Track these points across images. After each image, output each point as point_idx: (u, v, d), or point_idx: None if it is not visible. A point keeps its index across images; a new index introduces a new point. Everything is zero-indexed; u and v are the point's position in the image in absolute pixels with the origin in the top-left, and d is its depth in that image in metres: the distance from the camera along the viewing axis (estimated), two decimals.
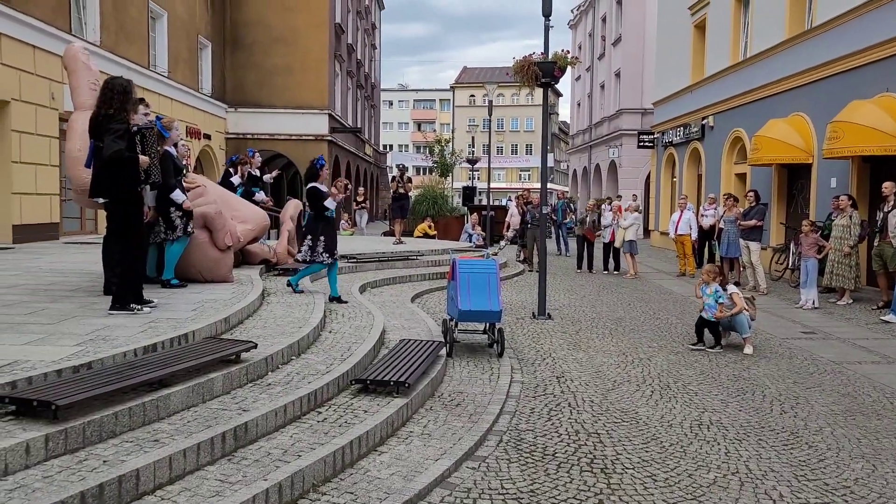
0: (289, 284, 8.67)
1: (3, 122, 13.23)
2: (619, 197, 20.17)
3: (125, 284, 6.16)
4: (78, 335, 5.11)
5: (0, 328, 5.24)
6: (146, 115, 7.16)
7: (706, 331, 8.15)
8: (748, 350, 7.96)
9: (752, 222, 12.87)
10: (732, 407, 5.86)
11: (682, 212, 15.57)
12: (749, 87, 17.51)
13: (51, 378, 4.07)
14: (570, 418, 5.45)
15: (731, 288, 8.34)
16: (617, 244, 15.89)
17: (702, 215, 15.54)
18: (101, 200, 6.26)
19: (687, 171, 22.65)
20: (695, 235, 15.36)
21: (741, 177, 18.60)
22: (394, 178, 16.58)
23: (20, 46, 13.45)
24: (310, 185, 8.71)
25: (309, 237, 8.57)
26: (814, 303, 11.13)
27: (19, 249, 12.18)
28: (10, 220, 13.26)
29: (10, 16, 13.09)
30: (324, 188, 8.72)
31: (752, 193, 13.44)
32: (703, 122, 20.73)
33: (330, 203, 8.58)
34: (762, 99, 16.88)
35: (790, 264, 14.05)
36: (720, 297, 8.05)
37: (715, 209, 15.23)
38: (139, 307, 6.13)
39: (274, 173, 14.56)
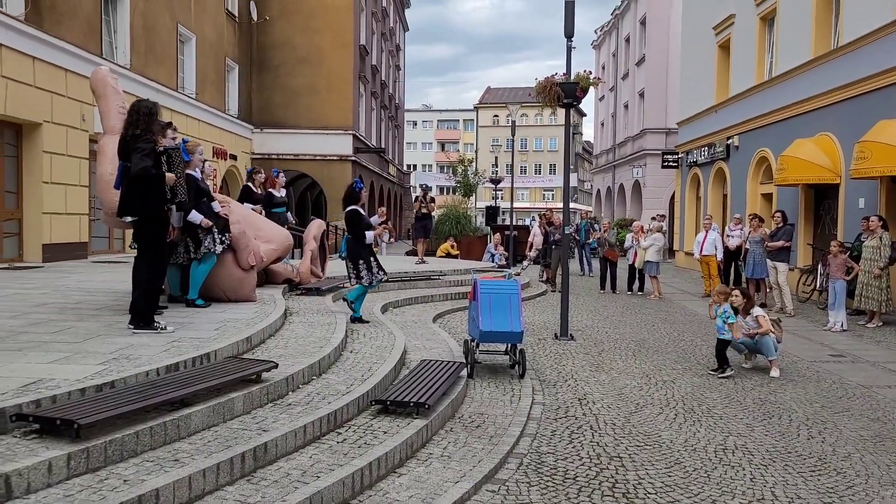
0: (353, 320, 8.44)
1: (35, 144, 13.52)
2: (660, 216, 19.98)
3: (149, 303, 6.24)
4: (102, 354, 5.17)
5: (28, 346, 5.31)
6: (174, 138, 7.28)
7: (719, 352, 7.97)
8: (774, 373, 7.83)
9: (780, 243, 12.71)
10: (758, 431, 5.76)
11: (706, 232, 15.43)
12: (775, 107, 17.37)
13: (74, 397, 4.12)
14: (591, 441, 5.38)
15: (757, 310, 8.21)
16: (637, 265, 15.78)
17: (727, 236, 15.37)
18: (128, 219, 6.36)
19: (712, 191, 22.47)
20: (720, 256, 15.19)
21: (767, 197, 18.40)
22: (417, 197, 16.65)
23: (52, 69, 13.77)
24: (350, 208, 8.60)
25: (361, 261, 8.48)
26: (842, 325, 10.94)
27: (49, 268, 12.38)
28: (40, 239, 13.50)
29: (43, 40, 13.41)
30: (363, 211, 8.73)
31: (779, 214, 13.28)
32: (728, 142, 20.58)
33: (370, 236, 8.58)
34: (788, 119, 16.74)
35: (818, 286, 13.83)
36: (729, 317, 7.91)
37: (741, 229, 15.06)
38: (162, 326, 6.19)
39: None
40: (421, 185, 17.20)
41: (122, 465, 3.70)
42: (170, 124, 7.38)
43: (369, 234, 8.57)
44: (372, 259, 8.48)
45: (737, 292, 8.19)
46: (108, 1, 16.45)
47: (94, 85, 7.57)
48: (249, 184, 12.09)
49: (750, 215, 14.62)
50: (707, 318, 12.16)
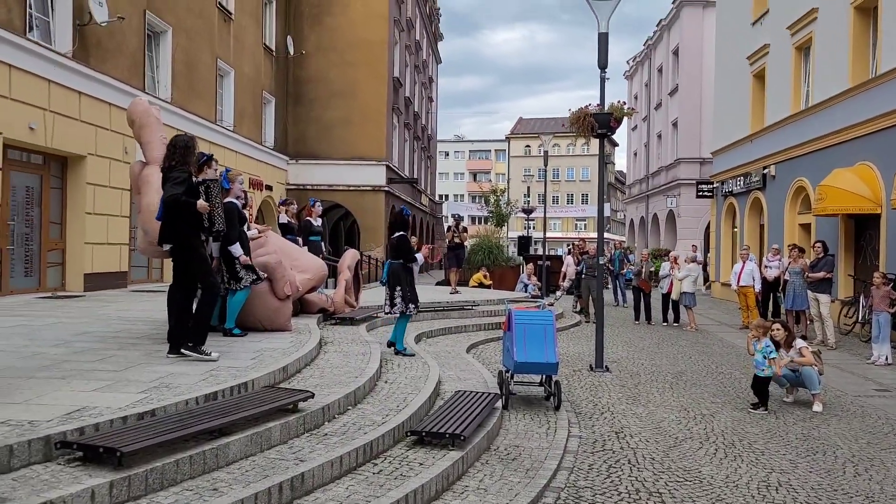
0: (397, 353, 8.45)
1: (79, 176, 13.89)
2: (693, 247, 19.83)
3: (199, 326, 6.35)
4: (142, 382, 5.24)
5: (71, 374, 5.41)
6: (215, 170, 7.42)
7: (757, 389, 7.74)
8: (817, 407, 7.64)
9: (821, 274, 12.47)
10: (802, 468, 5.61)
11: (744, 262, 15.22)
12: (812, 137, 17.18)
13: (117, 425, 4.18)
14: (630, 476, 5.29)
15: (800, 342, 8.06)
16: (674, 296, 15.59)
17: (765, 266, 15.15)
18: (166, 247, 6.49)
19: (748, 220, 22.20)
20: (758, 287, 14.96)
21: (805, 227, 18.12)
22: (449, 227, 16.70)
23: (97, 104, 14.18)
24: (399, 233, 8.56)
25: (398, 288, 8.44)
26: (887, 359, 10.66)
27: (90, 297, 12.63)
28: (82, 268, 13.80)
29: (89, 75, 13.84)
30: (410, 238, 8.76)
31: (819, 244, 13.06)
32: (765, 172, 20.37)
33: (420, 257, 8.59)
34: (826, 148, 16.53)
35: (860, 318, 13.53)
36: (770, 352, 7.71)
37: (779, 260, 14.84)
38: (208, 353, 6.29)
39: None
40: (453, 215, 17.24)
41: (162, 494, 3.73)
42: (212, 157, 7.53)
43: (420, 256, 8.58)
44: (408, 289, 8.48)
45: (778, 326, 8.02)
46: (151, 37, 16.95)
47: (137, 115, 7.67)
48: (282, 214, 12.27)
49: (789, 246, 14.42)
50: (745, 350, 11.96)
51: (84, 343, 7.06)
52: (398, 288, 8.42)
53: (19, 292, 12.48)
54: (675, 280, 15.39)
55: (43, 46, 12.69)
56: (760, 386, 7.69)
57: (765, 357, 7.68)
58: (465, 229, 17.08)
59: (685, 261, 15.72)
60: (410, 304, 8.49)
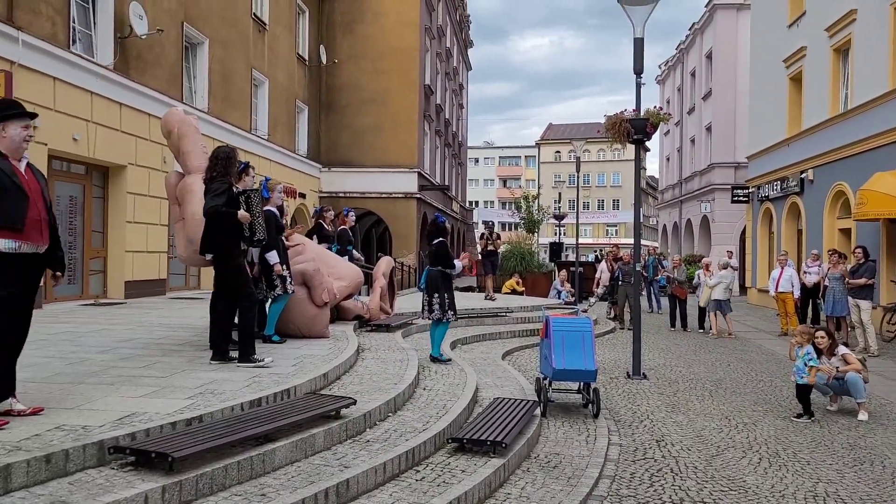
0: (433, 360, 8.47)
1: (120, 185, 14.18)
2: (728, 252, 19.59)
3: (245, 336, 6.46)
4: (188, 388, 5.33)
5: (119, 381, 5.52)
6: (252, 178, 7.53)
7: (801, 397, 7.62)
8: (863, 416, 7.50)
9: (863, 280, 12.24)
10: (849, 478, 5.51)
11: (782, 268, 15.00)
12: (851, 140, 16.88)
13: (166, 430, 4.26)
14: (673, 485, 5.25)
15: (842, 349, 7.92)
16: (701, 303, 15.39)
17: (805, 272, 14.90)
18: (208, 256, 6.61)
19: (785, 226, 21.86)
20: (797, 293, 14.72)
21: (845, 232, 17.79)
22: (483, 234, 16.71)
23: (137, 115, 14.47)
24: (439, 240, 8.54)
25: (436, 295, 8.45)
26: None
27: (131, 304, 12.87)
28: (123, 276, 14.07)
29: (129, 87, 14.14)
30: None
31: (860, 250, 12.81)
32: (802, 176, 20.05)
33: (459, 264, 8.62)
34: (866, 151, 16.23)
35: None
36: (811, 360, 7.56)
37: (819, 266, 14.59)
38: (260, 360, 6.41)
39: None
40: (486, 223, 17.24)
41: (212, 499, 3.79)
42: (248, 165, 7.64)
43: (458, 263, 8.60)
44: (447, 296, 8.50)
45: (822, 333, 7.88)
46: (188, 49, 17.26)
47: (176, 124, 7.76)
48: (321, 221, 12.39)
49: (829, 251, 14.16)
50: (785, 357, 11.76)
51: (129, 349, 7.20)
52: (436, 294, 8.44)
53: (63, 299, 12.76)
54: (705, 287, 15.20)
55: (85, 59, 13.00)
56: (802, 394, 7.58)
57: (805, 364, 7.56)
58: (498, 236, 17.08)
59: (718, 266, 15.51)
60: (449, 312, 8.50)
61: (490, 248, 16.08)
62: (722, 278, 14.98)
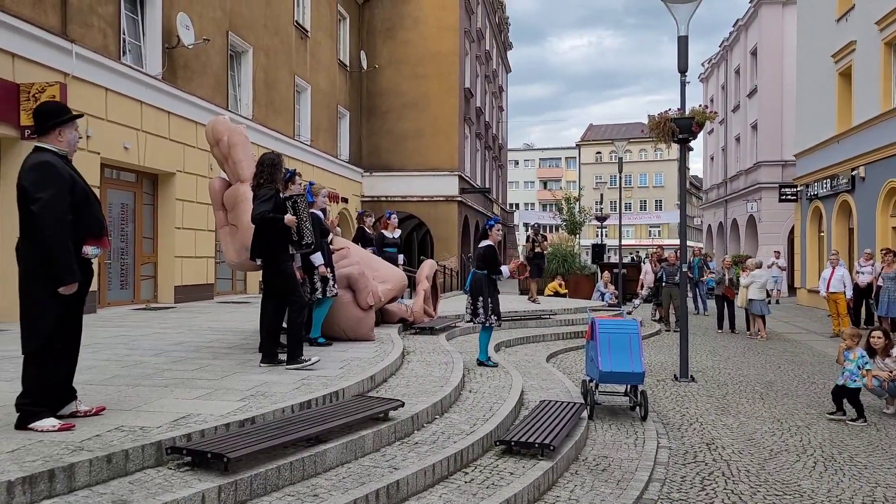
0: (480, 364, 8.48)
1: (169, 192, 14.51)
2: (775, 252, 19.23)
3: (293, 340, 6.57)
4: (240, 391, 5.43)
5: (173, 383, 5.66)
6: (300, 185, 7.64)
7: (845, 400, 7.48)
8: None
9: None
10: None
11: (833, 268, 14.63)
12: None
13: (220, 431, 4.35)
14: (725, 489, 5.17)
15: None
16: (739, 304, 15.08)
17: (857, 272, 14.54)
18: (258, 261, 6.74)
19: (836, 224, 21.33)
20: (850, 293, 14.35)
21: None
22: (528, 237, 16.61)
23: (184, 123, 14.80)
24: (487, 244, 8.51)
25: (481, 298, 8.43)
26: None
27: (180, 308, 13.15)
28: (172, 281, 14.39)
29: (177, 96, 14.46)
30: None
31: None
32: (853, 174, 19.55)
33: (506, 270, 8.63)
34: None
35: None
36: (867, 363, 7.40)
37: (872, 265, 14.21)
38: (307, 360, 6.51)
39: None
40: (532, 225, 17.15)
41: (265, 499, 3.87)
42: (295, 172, 7.75)
43: (505, 269, 8.60)
44: (490, 300, 8.49)
45: (878, 333, 7.69)
46: (233, 57, 17.58)
47: (227, 134, 7.88)
48: (362, 226, 12.53)
49: (882, 250, 13.80)
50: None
51: (181, 353, 7.36)
52: (480, 298, 8.43)
53: (115, 304, 13.10)
54: (741, 287, 14.88)
55: (135, 69, 13.34)
56: (841, 395, 7.45)
57: (859, 367, 7.37)
58: (544, 238, 16.95)
59: (752, 265, 15.17)
60: (493, 317, 8.47)
61: (537, 250, 15.98)
62: (755, 277, 14.65)
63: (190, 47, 14.63)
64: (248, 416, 4.64)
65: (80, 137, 4.62)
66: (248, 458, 3.94)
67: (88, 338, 8.44)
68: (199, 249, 15.27)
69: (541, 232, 16.98)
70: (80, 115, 4.69)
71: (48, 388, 4.24)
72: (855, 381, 7.37)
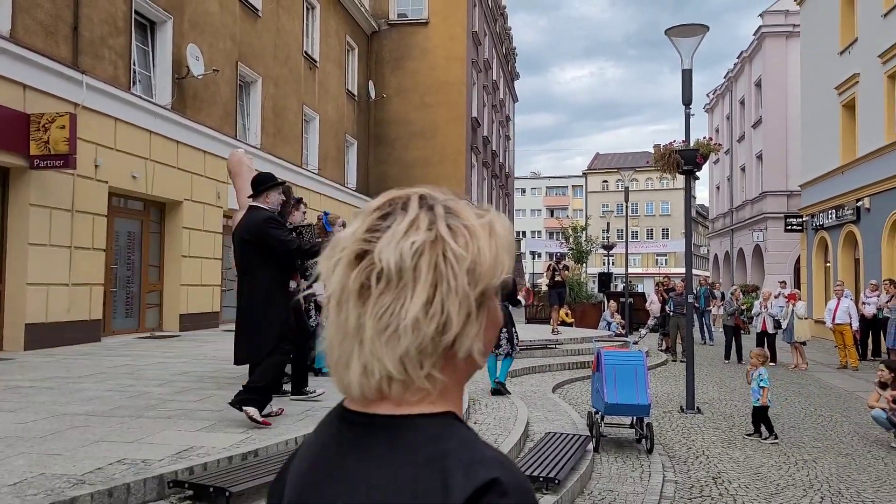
0: (499, 389, 8.60)
1: (176, 220, 14.60)
2: (781, 283, 19.05)
3: (296, 370, 6.60)
4: (243, 422, 5.41)
5: (176, 414, 5.65)
6: (304, 213, 7.69)
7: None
8: None
9: None
10: None
11: (839, 299, 14.57)
12: None
13: (223, 465, 4.34)
14: None
15: None
16: (804, 337, 14.40)
17: (863, 303, 14.47)
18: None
19: (842, 255, 21.27)
20: (856, 325, 14.26)
21: None
22: (549, 265, 16.51)
23: (193, 152, 14.94)
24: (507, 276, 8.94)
25: (504, 330, 8.62)
26: None
27: (185, 337, 13.17)
28: (178, 309, 14.42)
29: (185, 125, 14.62)
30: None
31: None
32: (858, 204, 19.55)
33: (522, 298, 8.92)
34: None
35: None
36: (763, 381, 7.77)
37: (878, 296, 14.15)
38: (313, 391, 6.53)
39: None
40: (555, 254, 17.13)
41: None
42: (300, 200, 7.82)
43: (520, 298, 8.86)
44: (514, 330, 8.70)
45: (882, 367, 7.72)
46: (242, 87, 17.79)
47: (233, 165, 8.11)
48: None
49: (885, 280, 13.75)
50: (845, 392, 11.43)
51: (184, 383, 7.36)
52: (504, 329, 8.56)
53: (121, 332, 13.12)
54: (799, 319, 14.29)
55: (145, 100, 13.51)
56: (757, 415, 7.89)
57: (759, 386, 7.80)
58: (565, 267, 16.79)
59: (775, 296, 15.01)
60: (517, 346, 8.77)
61: (557, 278, 15.83)
62: (800, 308, 14.35)
63: (199, 77, 14.83)
64: (251, 448, 4.64)
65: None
66: (250, 492, 3.93)
67: (93, 367, 8.48)
68: (205, 278, 15.32)
69: (563, 261, 16.90)
70: (283, 183, 6.01)
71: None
72: (758, 399, 7.78)
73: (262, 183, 5.74)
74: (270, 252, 5.30)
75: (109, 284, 12.90)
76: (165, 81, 14.34)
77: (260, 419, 5.21)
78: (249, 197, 7.49)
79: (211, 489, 3.83)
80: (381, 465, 0.84)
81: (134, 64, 13.57)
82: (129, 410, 5.76)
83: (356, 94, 26.42)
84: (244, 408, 5.18)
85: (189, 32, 14.91)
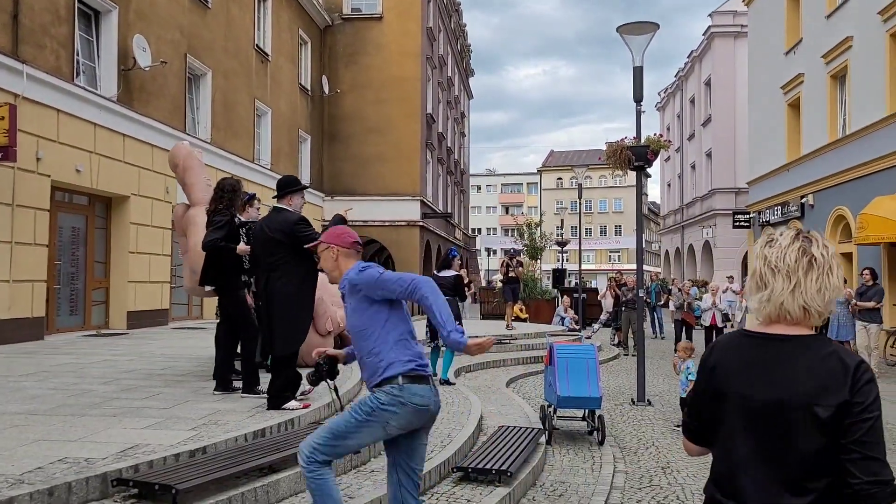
0: (443, 383, 8.88)
1: (123, 216, 14.24)
2: (728, 278, 19.55)
3: (224, 366, 6.50)
4: (191, 419, 5.31)
5: (121, 412, 5.51)
6: (257, 209, 7.58)
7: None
8: None
9: (872, 304, 12.20)
10: None
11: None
12: (850, 165, 16.95)
13: (169, 462, 4.24)
14: None
15: None
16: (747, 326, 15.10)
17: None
18: (208, 288, 6.66)
19: None
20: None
21: (847, 256, 17.78)
22: (504, 262, 16.59)
23: (140, 145, 14.58)
24: (453, 273, 9.48)
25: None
26: None
27: (133, 335, 12.86)
28: (125, 306, 14.07)
29: (132, 118, 14.26)
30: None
31: (867, 272, 12.76)
32: (803, 201, 20.11)
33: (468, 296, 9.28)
34: (866, 176, 16.29)
35: None
36: (691, 374, 7.92)
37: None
38: (263, 392, 6.39)
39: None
40: (508, 251, 17.20)
41: None
42: (254, 196, 7.70)
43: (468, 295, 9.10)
44: (460, 324, 8.70)
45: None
46: (191, 80, 17.43)
47: (181, 159, 7.90)
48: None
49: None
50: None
51: (131, 380, 7.18)
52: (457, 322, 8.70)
53: (65, 330, 12.76)
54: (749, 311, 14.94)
55: (89, 91, 13.13)
56: (683, 404, 8.10)
57: (687, 378, 7.96)
58: (519, 263, 16.91)
59: (722, 290, 15.39)
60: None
61: (511, 274, 15.92)
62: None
63: (146, 69, 14.48)
64: (200, 445, 4.54)
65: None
66: (197, 489, 3.84)
67: (35, 365, 8.22)
68: (153, 274, 14.98)
69: (517, 258, 17.01)
70: (307, 187, 6.09)
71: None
72: (686, 391, 7.91)
73: (288, 186, 6.08)
74: (302, 250, 5.62)
75: (53, 281, 12.52)
76: (111, 73, 13.96)
77: (301, 405, 5.80)
78: (254, 197, 7.42)
79: (157, 486, 3.73)
80: (808, 356, 1.79)
81: (77, 54, 13.18)
82: (72, 409, 5.59)
83: (310, 89, 26.15)
84: (283, 407, 5.69)
85: (136, 23, 14.54)
